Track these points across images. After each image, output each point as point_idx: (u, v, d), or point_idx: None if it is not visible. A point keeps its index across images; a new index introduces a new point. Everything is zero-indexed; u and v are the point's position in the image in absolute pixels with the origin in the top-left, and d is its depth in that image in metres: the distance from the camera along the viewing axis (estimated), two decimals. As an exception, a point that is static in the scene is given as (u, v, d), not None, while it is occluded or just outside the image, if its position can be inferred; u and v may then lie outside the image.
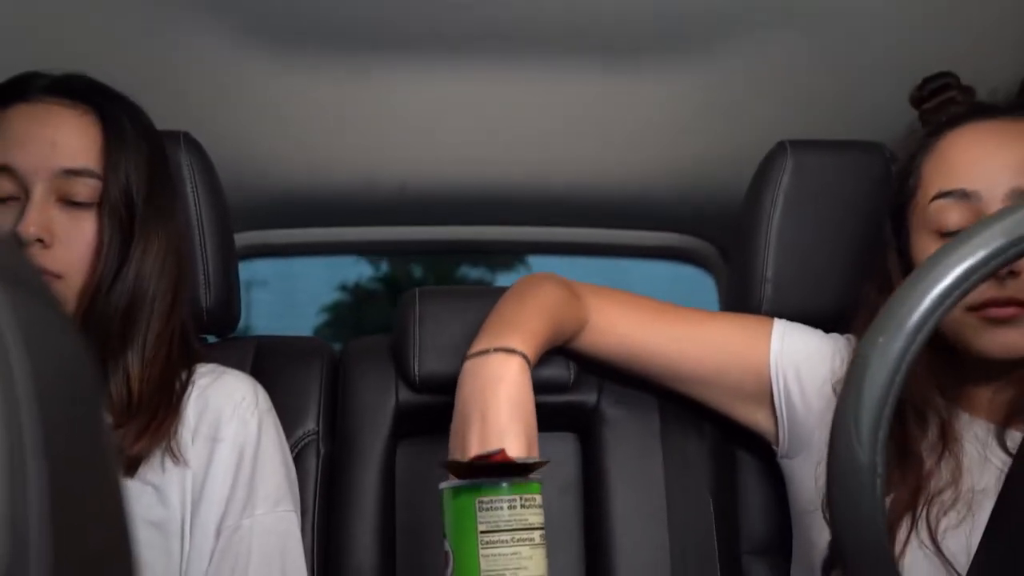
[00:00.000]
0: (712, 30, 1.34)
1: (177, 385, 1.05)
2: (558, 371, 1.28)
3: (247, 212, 1.63)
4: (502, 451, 0.80)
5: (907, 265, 1.07)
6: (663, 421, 1.29)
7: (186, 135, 1.22)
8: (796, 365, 1.13)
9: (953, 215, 1.01)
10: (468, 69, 1.41)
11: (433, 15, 1.29)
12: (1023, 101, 1.08)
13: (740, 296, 1.28)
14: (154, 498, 1.01)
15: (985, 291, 0.97)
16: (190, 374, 1.07)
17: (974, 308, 0.99)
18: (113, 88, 1.09)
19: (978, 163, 1.01)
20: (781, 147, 1.27)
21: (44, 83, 1.05)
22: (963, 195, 1.01)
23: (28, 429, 0.31)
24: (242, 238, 1.69)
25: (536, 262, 1.99)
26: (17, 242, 0.94)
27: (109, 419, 0.96)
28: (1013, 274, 0.96)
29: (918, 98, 1.15)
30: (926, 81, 1.14)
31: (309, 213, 1.71)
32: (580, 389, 1.30)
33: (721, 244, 1.85)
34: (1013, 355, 0.99)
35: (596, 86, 1.45)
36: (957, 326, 1.01)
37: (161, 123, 1.14)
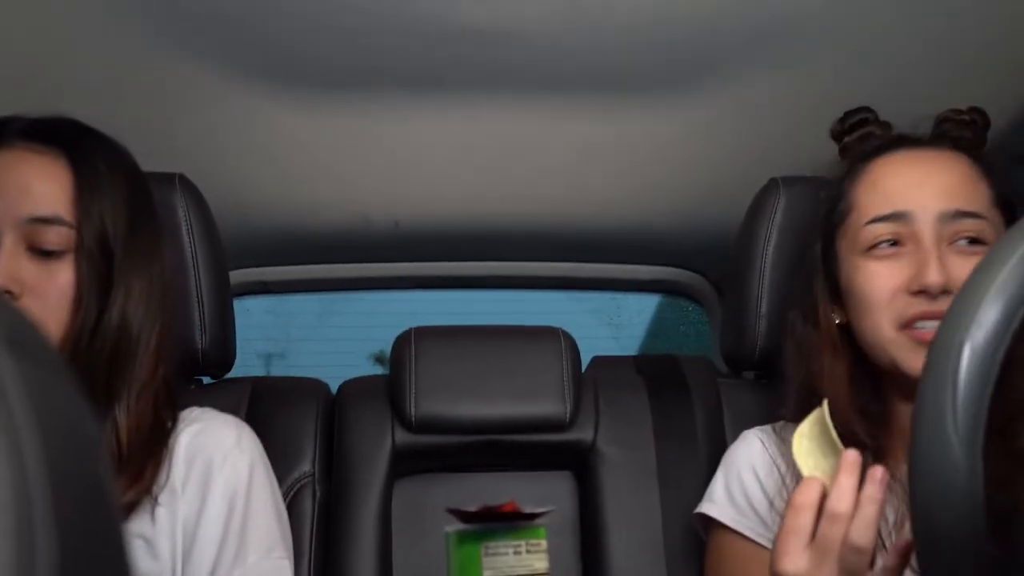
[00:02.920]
0: (705, 69, 1.35)
1: (164, 432, 1.03)
2: (555, 409, 1.29)
3: (242, 249, 1.63)
4: (511, 501, 0.80)
5: (834, 289, 1.11)
6: (660, 458, 1.29)
7: (181, 176, 1.22)
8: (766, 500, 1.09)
9: (887, 233, 1.06)
10: (461, 108, 1.41)
11: (428, 56, 1.30)
12: (941, 132, 1.14)
13: (735, 332, 1.28)
14: (144, 551, 0.99)
15: (915, 306, 1.02)
16: (175, 420, 1.05)
17: (904, 326, 1.02)
18: (95, 129, 1.07)
19: (909, 189, 1.07)
20: (774, 183, 1.28)
21: (18, 127, 1.03)
22: (897, 217, 1.06)
23: (38, 505, 0.31)
24: (237, 275, 1.69)
25: (531, 296, 2.00)
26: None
27: None
28: (947, 292, 1.00)
29: (839, 131, 1.20)
30: (847, 115, 1.20)
31: (304, 250, 1.72)
32: (577, 427, 1.30)
33: (714, 278, 1.85)
34: None
35: (588, 124, 1.46)
36: (889, 346, 1.04)
37: (156, 163, 1.14)
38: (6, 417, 0.32)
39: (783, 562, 0.81)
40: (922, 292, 1.01)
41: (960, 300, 0.60)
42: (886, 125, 1.18)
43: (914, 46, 1.30)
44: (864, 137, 1.17)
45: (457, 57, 1.31)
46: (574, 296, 2.30)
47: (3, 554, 0.30)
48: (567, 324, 1.41)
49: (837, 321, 1.11)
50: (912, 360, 1.01)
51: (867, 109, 1.19)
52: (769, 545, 1.03)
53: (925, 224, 1.04)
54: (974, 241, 1.05)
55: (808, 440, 0.86)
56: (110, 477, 0.39)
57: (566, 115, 1.44)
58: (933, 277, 1.00)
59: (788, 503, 0.84)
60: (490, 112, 1.43)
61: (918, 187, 1.07)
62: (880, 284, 1.05)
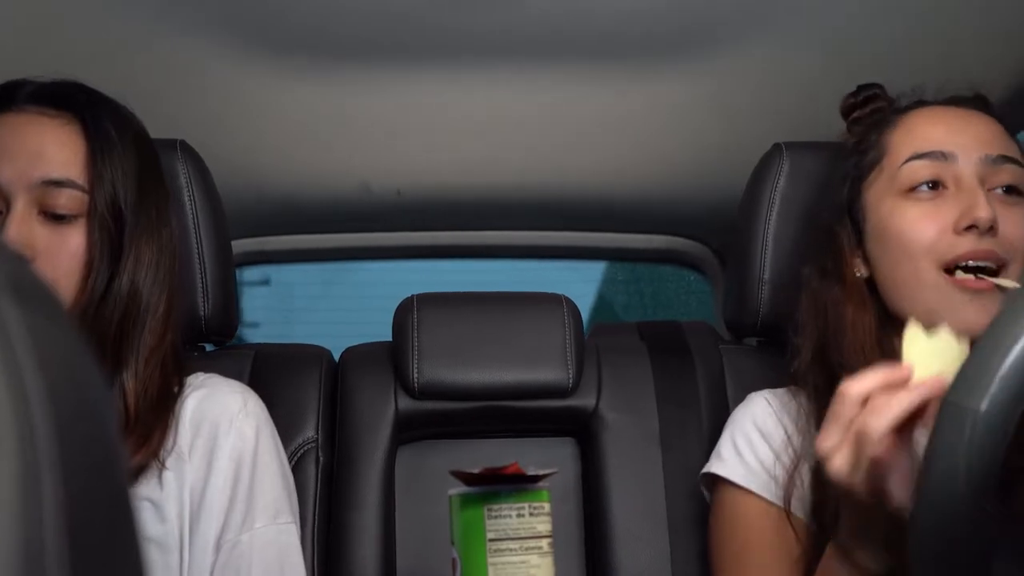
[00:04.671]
0: (706, 34, 1.34)
1: (171, 397, 1.04)
2: (557, 375, 1.29)
3: (244, 219, 1.63)
4: (514, 464, 0.80)
5: (860, 237, 1.08)
6: (662, 424, 1.29)
7: (182, 143, 1.22)
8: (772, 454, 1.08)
9: (928, 173, 1.03)
10: (462, 76, 1.41)
11: (429, 25, 1.29)
12: (970, 97, 1.12)
13: (738, 298, 1.28)
14: (152, 514, 1.00)
15: (961, 244, 0.99)
16: (182, 386, 1.06)
17: (949, 270, 0.99)
18: (104, 94, 1.07)
19: (950, 134, 1.05)
20: (777, 149, 1.28)
21: (29, 91, 1.03)
22: (940, 156, 1.04)
23: (44, 451, 0.31)
24: (239, 245, 1.69)
25: (533, 266, 1.99)
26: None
27: None
28: (992, 230, 0.99)
29: (851, 105, 1.19)
30: (860, 88, 1.19)
31: (306, 219, 1.71)
32: (579, 393, 1.30)
33: (716, 247, 1.85)
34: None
35: (590, 92, 1.45)
36: (930, 292, 1.00)
37: (158, 130, 1.14)
38: (11, 363, 0.32)
39: (818, 441, 0.83)
40: (970, 228, 0.98)
41: (972, 362, 0.59)
42: (894, 101, 1.16)
43: (920, 12, 1.29)
44: (873, 112, 1.15)
45: (459, 24, 1.31)
46: (574, 266, 2.30)
47: (9, 496, 0.30)
48: (568, 295, 1.41)
49: (859, 274, 1.08)
50: (954, 311, 0.97)
51: (877, 85, 1.18)
52: (778, 502, 1.04)
53: (967, 165, 1.02)
54: (1011, 191, 1.03)
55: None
56: (116, 429, 0.39)
57: (567, 83, 1.43)
58: (983, 212, 0.97)
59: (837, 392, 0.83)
60: (490, 81, 1.42)
61: (959, 132, 1.05)
62: (923, 224, 1.01)
